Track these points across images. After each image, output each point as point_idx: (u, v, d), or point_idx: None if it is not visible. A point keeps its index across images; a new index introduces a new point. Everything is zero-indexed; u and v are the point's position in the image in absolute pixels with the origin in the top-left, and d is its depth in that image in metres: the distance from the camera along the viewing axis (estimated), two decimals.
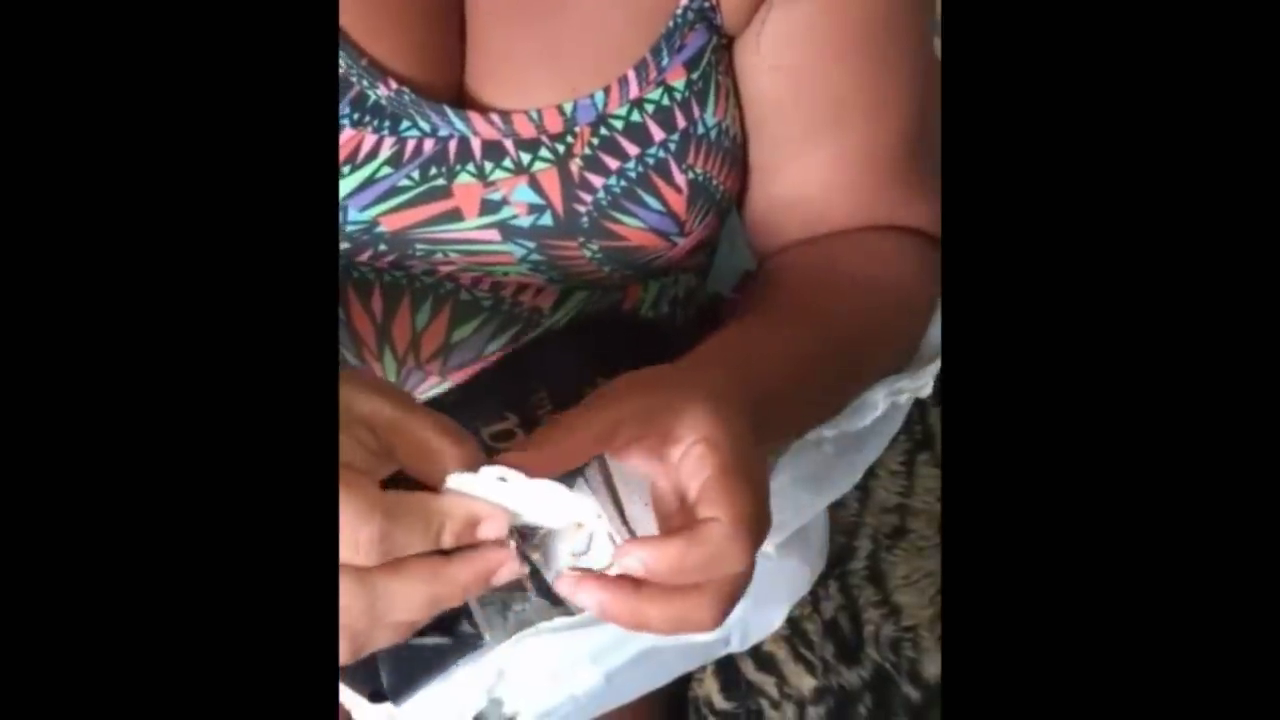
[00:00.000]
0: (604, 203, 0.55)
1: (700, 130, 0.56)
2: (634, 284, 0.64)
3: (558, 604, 0.64)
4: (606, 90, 0.54)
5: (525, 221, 0.56)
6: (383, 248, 0.57)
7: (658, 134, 0.55)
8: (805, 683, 0.78)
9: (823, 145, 0.57)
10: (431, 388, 0.63)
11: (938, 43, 0.60)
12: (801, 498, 0.64)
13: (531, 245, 0.57)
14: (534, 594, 0.64)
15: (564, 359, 0.62)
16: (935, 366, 0.59)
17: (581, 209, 0.55)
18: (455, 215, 0.56)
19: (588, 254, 0.57)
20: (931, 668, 0.78)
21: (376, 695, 0.64)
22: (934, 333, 0.62)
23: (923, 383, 0.59)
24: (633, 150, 0.55)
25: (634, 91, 0.54)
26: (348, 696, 0.70)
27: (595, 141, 0.55)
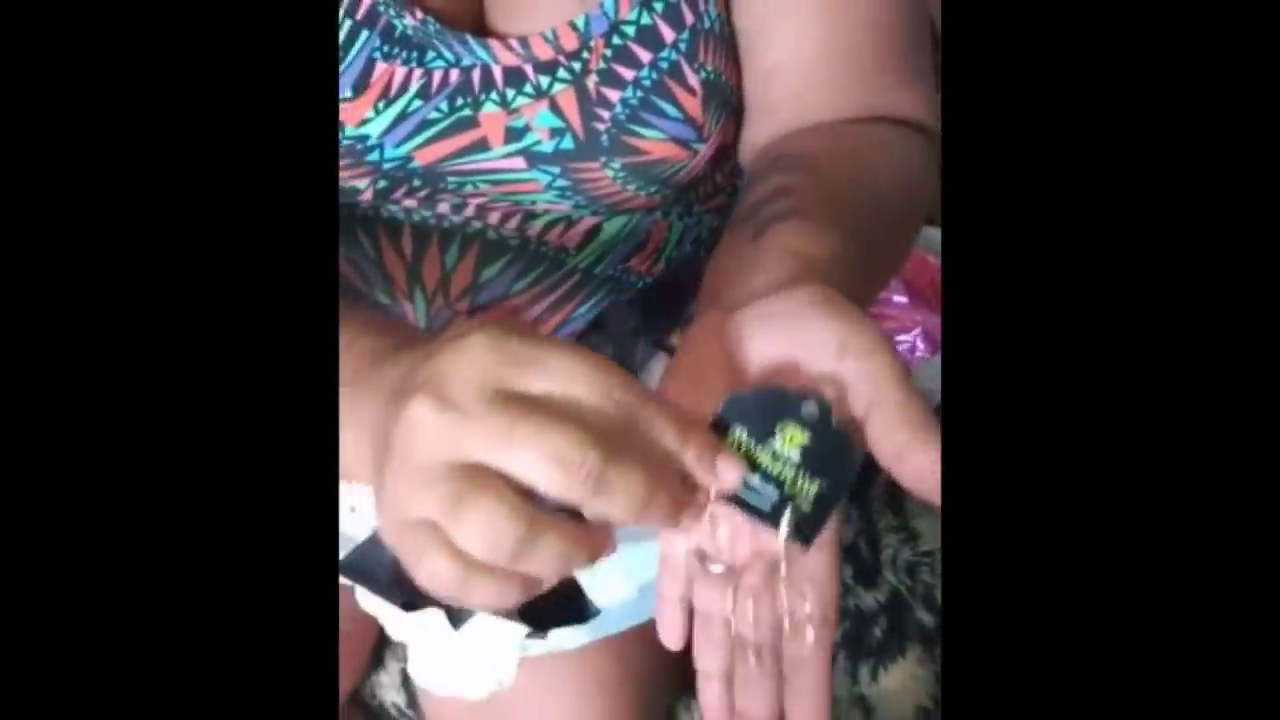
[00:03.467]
0: (622, 118, 0.55)
1: (707, 24, 0.55)
2: (660, 223, 0.64)
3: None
4: None
5: (548, 146, 0.56)
6: (417, 183, 0.58)
7: (668, 34, 0.54)
8: None
9: (814, 11, 0.55)
10: None
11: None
12: None
13: (556, 171, 0.57)
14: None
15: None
16: None
17: (601, 127, 0.55)
18: (482, 145, 0.56)
19: (610, 173, 0.57)
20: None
21: (409, 605, 0.65)
22: None
23: None
24: (645, 57, 0.55)
25: None
26: (377, 607, 0.71)
27: (609, 54, 0.54)
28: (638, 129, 0.56)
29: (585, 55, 0.54)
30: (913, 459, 0.38)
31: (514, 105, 0.55)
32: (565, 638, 0.68)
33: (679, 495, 0.38)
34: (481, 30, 0.55)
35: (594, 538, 0.37)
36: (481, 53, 0.54)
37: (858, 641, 0.79)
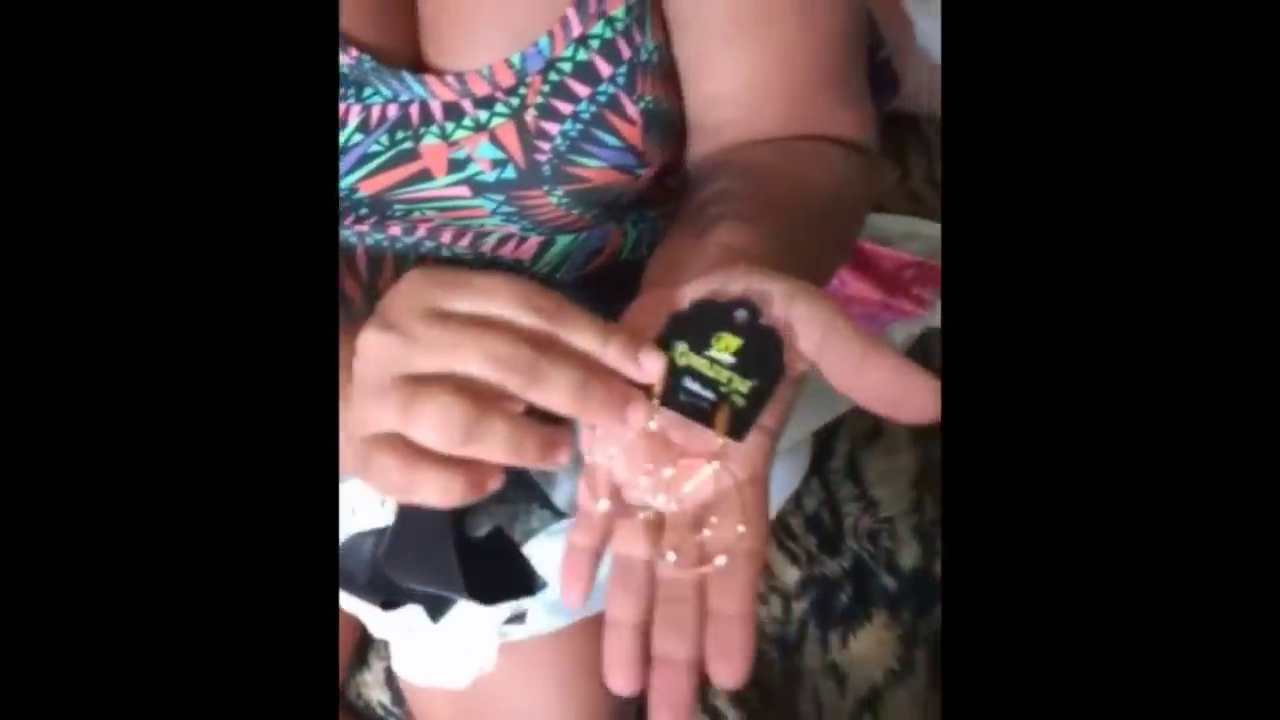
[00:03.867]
0: (562, 149, 0.56)
1: (644, 56, 0.56)
2: (615, 230, 0.65)
3: (559, 515, 0.67)
4: (550, 34, 0.54)
5: (490, 176, 0.57)
6: (364, 211, 0.59)
7: (605, 69, 0.55)
8: (790, 574, 0.82)
9: (754, 40, 0.56)
10: None
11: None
12: (812, 413, 0.67)
13: (500, 198, 0.58)
14: (538, 508, 0.67)
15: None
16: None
17: (542, 158, 0.56)
18: (426, 175, 0.57)
19: (554, 200, 0.58)
20: (906, 558, 0.82)
21: (389, 604, 0.67)
22: None
23: (935, 316, 0.62)
24: (583, 91, 0.55)
25: (576, 29, 0.54)
26: (358, 607, 0.72)
27: (546, 89, 0.55)
28: (579, 159, 0.57)
29: (522, 91, 0.55)
30: (872, 371, 0.39)
31: (454, 138, 0.56)
32: (542, 621, 0.70)
33: (617, 388, 0.40)
34: (418, 66, 0.56)
35: (546, 433, 0.40)
36: (418, 88, 0.55)
37: (825, 609, 0.81)
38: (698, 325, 0.42)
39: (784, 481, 0.78)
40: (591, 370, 0.40)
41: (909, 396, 0.38)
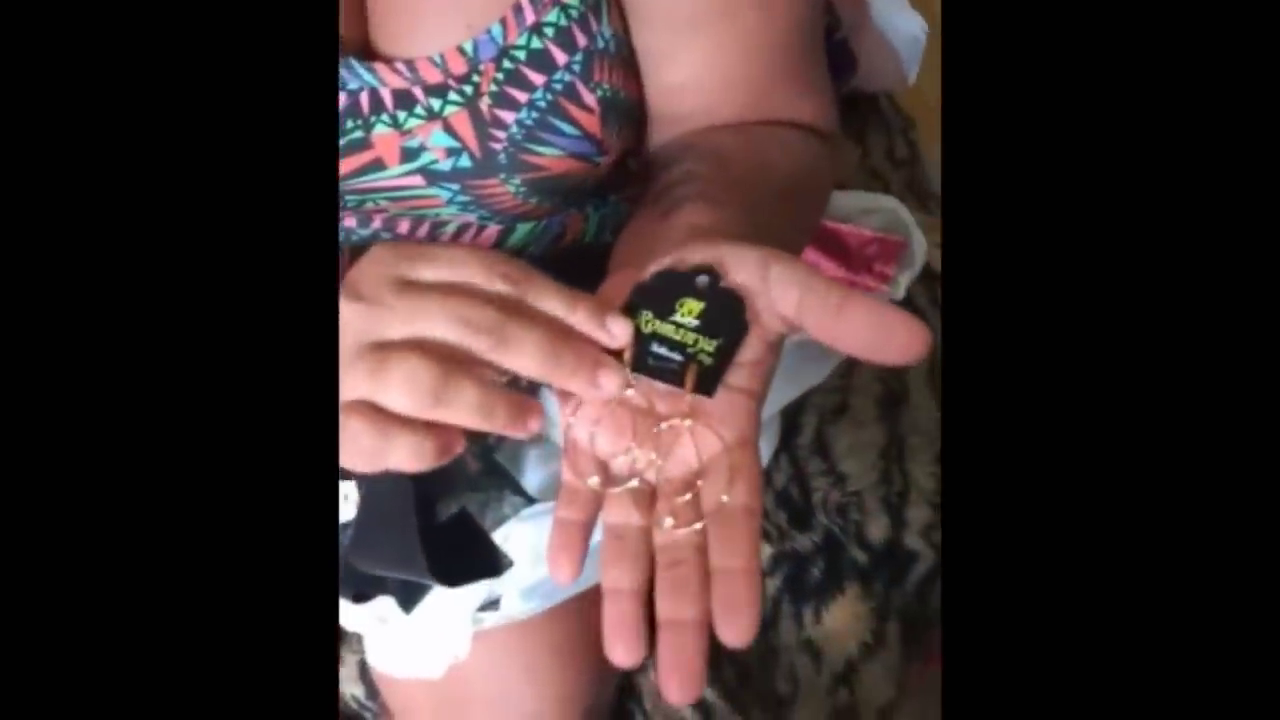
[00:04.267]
0: (518, 137, 0.56)
1: (601, 44, 0.55)
2: (576, 216, 0.65)
3: (530, 501, 0.67)
4: (503, 22, 0.54)
5: (445, 165, 0.56)
6: None
7: (561, 57, 0.55)
8: (763, 552, 0.82)
9: (714, 32, 0.56)
10: None
11: None
12: (779, 391, 0.67)
13: (455, 187, 0.57)
14: (509, 494, 0.67)
15: None
16: (910, 276, 0.62)
17: (498, 146, 0.56)
18: (379, 165, 0.56)
19: (511, 189, 0.57)
20: (876, 530, 0.83)
21: (360, 596, 0.66)
22: (917, 248, 0.64)
23: (899, 290, 0.62)
24: (538, 79, 0.55)
25: (530, 17, 0.54)
26: None
27: (500, 77, 0.54)
28: (536, 147, 0.56)
29: (475, 79, 0.54)
30: (853, 316, 0.39)
31: (406, 126, 0.55)
32: (516, 607, 0.70)
33: (587, 352, 0.41)
34: (366, 54, 0.55)
35: (516, 399, 0.40)
36: (367, 76, 0.54)
37: (798, 584, 0.82)
38: (661, 293, 0.43)
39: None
40: (560, 334, 0.40)
41: (892, 335, 0.38)
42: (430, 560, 0.53)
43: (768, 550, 0.82)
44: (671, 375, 0.42)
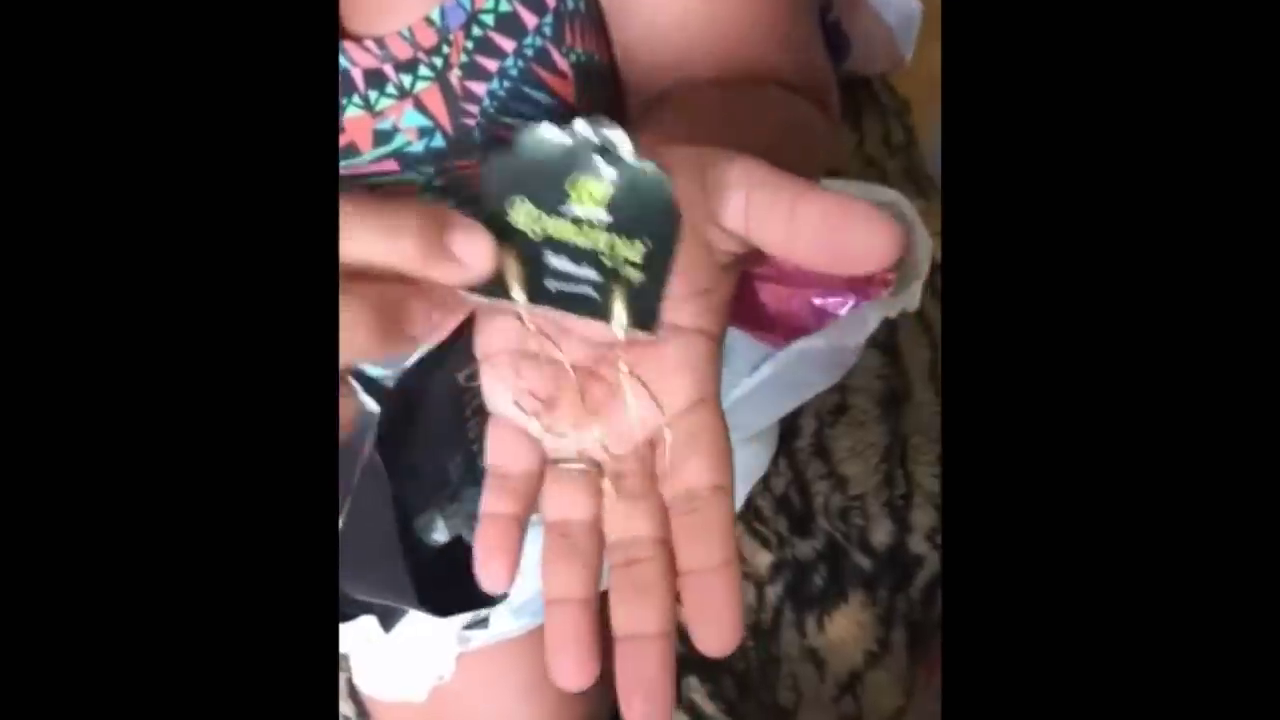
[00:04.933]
0: (491, 110, 0.53)
1: (570, 5, 0.53)
2: None
3: None
4: None
5: (418, 147, 0.54)
6: None
7: (530, 20, 0.52)
8: (762, 560, 0.80)
9: None
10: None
11: None
12: (783, 398, 0.64)
13: (431, 171, 0.55)
14: None
15: None
16: (920, 282, 0.59)
17: (470, 122, 0.53)
18: (352, 150, 0.54)
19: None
20: (879, 535, 0.80)
21: (344, 616, 0.64)
22: (921, 249, 0.61)
23: (913, 298, 0.59)
24: (508, 45, 0.53)
25: None
26: None
27: (470, 46, 0.52)
28: (510, 120, 0.54)
29: (446, 50, 0.52)
30: (809, 215, 0.31)
31: (379, 107, 0.53)
32: (506, 625, 0.67)
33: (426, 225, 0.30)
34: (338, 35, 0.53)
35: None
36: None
37: (800, 592, 0.79)
38: (538, 172, 0.30)
39: (749, 468, 0.76)
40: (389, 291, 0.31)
41: (855, 236, 0.30)
42: (419, 589, 0.50)
43: (767, 558, 0.79)
44: (586, 303, 0.30)
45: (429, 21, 0.52)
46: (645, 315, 0.30)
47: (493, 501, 0.35)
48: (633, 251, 0.30)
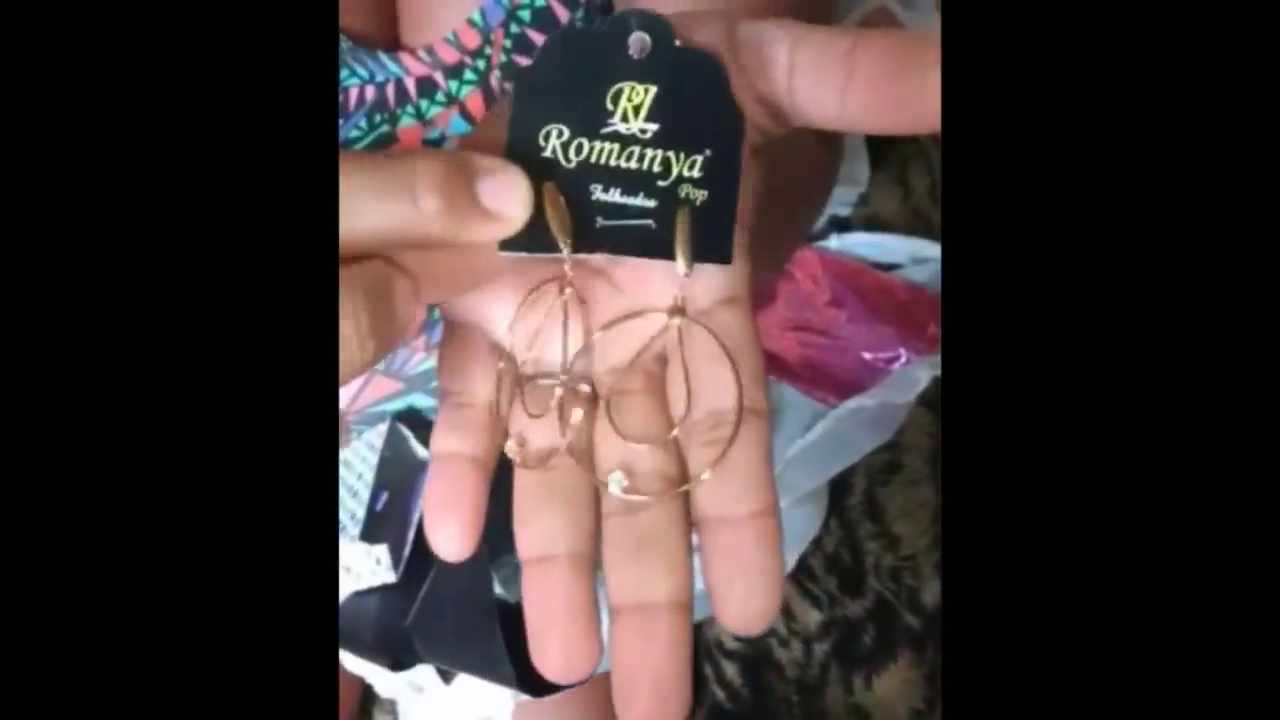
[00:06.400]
0: None
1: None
2: None
3: None
4: None
5: None
6: None
7: (563, 13, 0.53)
8: (811, 618, 0.79)
9: None
10: (420, 362, 0.62)
11: None
12: (834, 458, 0.64)
13: None
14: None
15: None
16: None
17: None
18: None
19: None
20: (929, 595, 0.80)
21: (398, 664, 0.64)
22: None
23: None
24: (542, 40, 0.54)
25: None
26: (365, 669, 0.69)
27: (509, 44, 0.53)
28: None
29: (487, 50, 0.53)
30: (863, 59, 0.26)
31: (428, 116, 0.55)
32: None
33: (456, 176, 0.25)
34: (396, 47, 0.55)
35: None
36: (393, 66, 0.54)
37: (848, 651, 0.79)
38: (576, 82, 0.25)
39: (801, 531, 0.76)
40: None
41: (927, 77, 0.26)
42: (518, 667, 0.46)
43: (817, 617, 0.79)
44: (642, 238, 0.24)
45: (471, 23, 0.53)
46: (717, 244, 0.25)
47: (444, 437, 0.27)
48: (690, 168, 0.25)
